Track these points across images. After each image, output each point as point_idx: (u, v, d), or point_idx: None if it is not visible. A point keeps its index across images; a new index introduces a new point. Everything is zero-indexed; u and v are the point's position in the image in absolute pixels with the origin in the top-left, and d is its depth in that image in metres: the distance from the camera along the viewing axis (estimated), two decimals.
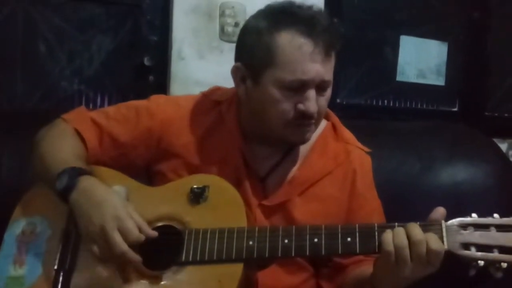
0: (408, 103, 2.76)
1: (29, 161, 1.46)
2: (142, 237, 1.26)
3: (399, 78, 2.72)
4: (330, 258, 1.47)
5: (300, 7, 1.37)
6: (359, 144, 1.54)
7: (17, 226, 1.41)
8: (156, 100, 1.53)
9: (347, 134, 1.55)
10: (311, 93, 1.34)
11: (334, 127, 1.55)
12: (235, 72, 1.42)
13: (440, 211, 1.22)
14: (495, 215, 1.20)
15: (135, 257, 1.26)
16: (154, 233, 1.29)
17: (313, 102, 1.34)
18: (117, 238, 1.23)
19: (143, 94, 1.89)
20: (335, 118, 1.56)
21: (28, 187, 1.46)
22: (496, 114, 2.84)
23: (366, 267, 1.38)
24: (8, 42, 2.14)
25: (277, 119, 1.36)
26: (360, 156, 1.52)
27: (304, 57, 1.32)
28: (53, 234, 1.37)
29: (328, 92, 1.39)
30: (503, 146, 2.60)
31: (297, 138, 1.41)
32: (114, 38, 2.28)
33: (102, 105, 2.27)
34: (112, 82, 2.29)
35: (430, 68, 2.75)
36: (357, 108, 2.66)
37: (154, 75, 2.29)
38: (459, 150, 1.98)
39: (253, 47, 1.37)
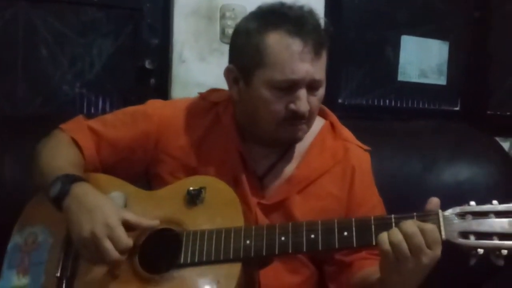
0: (410, 102, 2.75)
1: (30, 168, 1.46)
2: (131, 243, 1.25)
3: (400, 78, 2.71)
4: (331, 255, 1.46)
5: (290, 7, 1.38)
6: (358, 142, 1.54)
7: (20, 236, 1.42)
8: (153, 104, 1.55)
9: (346, 132, 1.55)
10: (302, 92, 1.34)
11: (332, 125, 1.54)
12: (227, 73, 1.43)
13: (433, 201, 1.20)
14: (494, 201, 1.18)
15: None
16: (156, 222, 1.29)
17: (304, 101, 1.34)
18: (108, 246, 1.22)
19: (144, 97, 1.89)
20: (333, 117, 1.56)
21: (30, 192, 1.47)
22: (498, 113, 2.82)
23: (372, 268, 1.37)
24: (9, 46, 2.15)
25: (269, 119, 1.37)
26: (358, 154, 1.52)
27: (293, 57, 1.32)
28: (55, 242, 1.37)
29: (321, 91, 1.39)
30: (506, 145, 2.58)
31: (289, 136, 1.41)
32: (115, 42, 2.28)
33: (103, 109, 2.28)
34: (114, 86, 2.29)
35: (432, 67, 2.74)
36: (359, 108, 2.65)
37: (156, 78, 2.29)
38: (461, 150, 1.98)
39: (243, 49, 1.38)
